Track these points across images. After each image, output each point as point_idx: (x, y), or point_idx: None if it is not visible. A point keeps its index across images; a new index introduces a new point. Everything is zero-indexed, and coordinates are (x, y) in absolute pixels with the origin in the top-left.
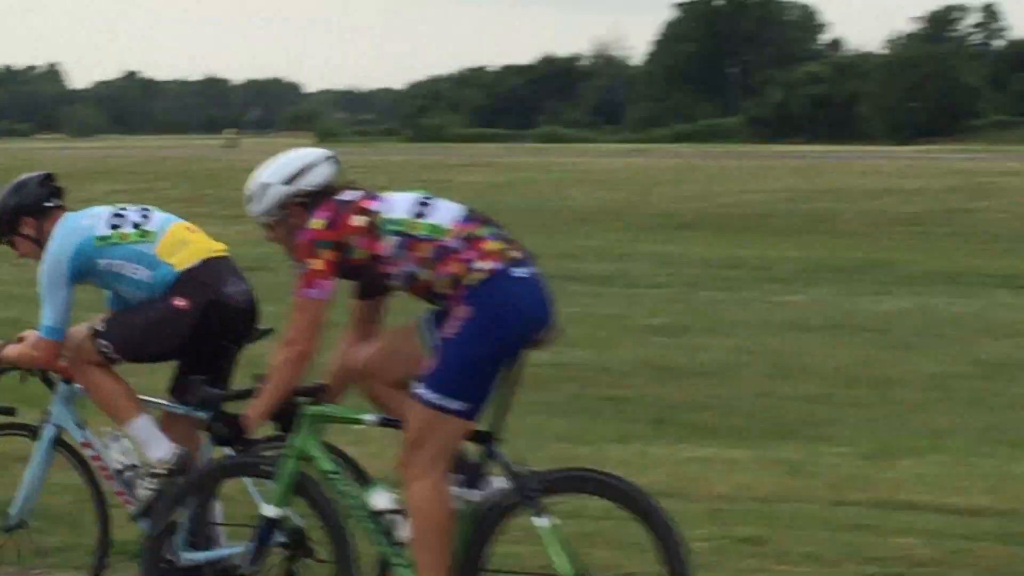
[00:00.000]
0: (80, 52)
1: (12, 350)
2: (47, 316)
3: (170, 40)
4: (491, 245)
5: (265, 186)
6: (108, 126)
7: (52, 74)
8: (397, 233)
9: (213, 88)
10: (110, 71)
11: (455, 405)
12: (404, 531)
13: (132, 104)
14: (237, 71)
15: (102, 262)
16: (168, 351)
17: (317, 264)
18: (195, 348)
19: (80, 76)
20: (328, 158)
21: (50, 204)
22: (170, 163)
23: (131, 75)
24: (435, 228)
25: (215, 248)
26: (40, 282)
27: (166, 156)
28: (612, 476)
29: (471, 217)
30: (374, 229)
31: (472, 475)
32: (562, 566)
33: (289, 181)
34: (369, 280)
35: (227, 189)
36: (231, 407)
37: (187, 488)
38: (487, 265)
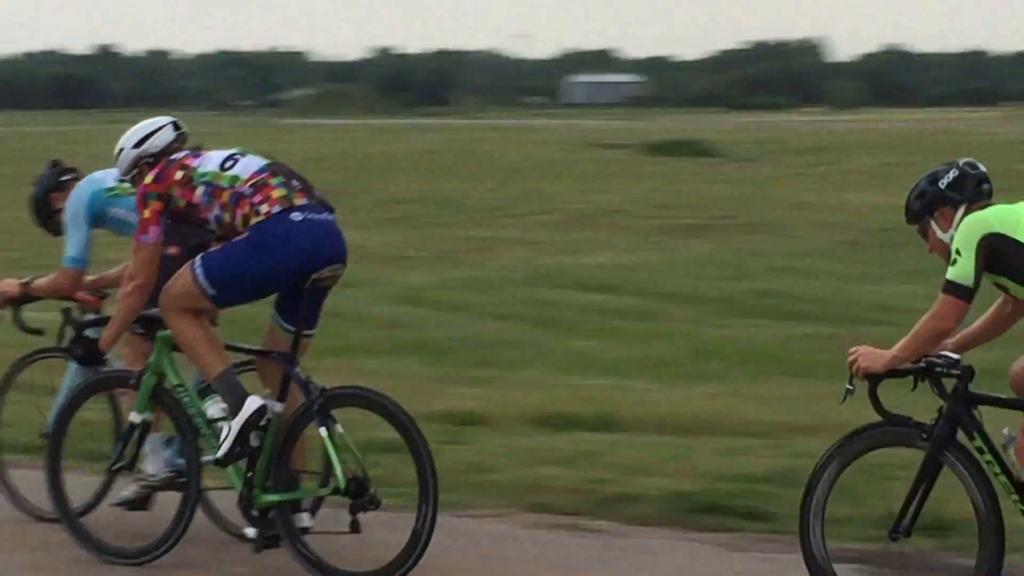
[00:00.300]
0: (842, 25)
1: (41, 281)
2: (70, 248)
3: (931, 12)
4: (277, 192)
5: (120, 151)
6: (870, 99)
7: (812, 47)
8: (206, 183)
9: (973, 60)
10: (871, 44)
11: (211, 292)
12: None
13: (893, 77)
14: (998, 42)
15: (109, 212)
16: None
17: (147, 213)
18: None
19: (842, 49)
20: (171, 123)
21: (66, 178)
22: (930, 137)
23: (892, 48)
24: (234, 178)
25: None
26: (65, 224)
27: (926, 129)
28: (382, 395)
29: (267, 168)
30: (189, 181)
31: (282, 392)
32: (337, 468)
33: (137, 145)
34: (194, 225)
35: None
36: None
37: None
38: (269, 208)
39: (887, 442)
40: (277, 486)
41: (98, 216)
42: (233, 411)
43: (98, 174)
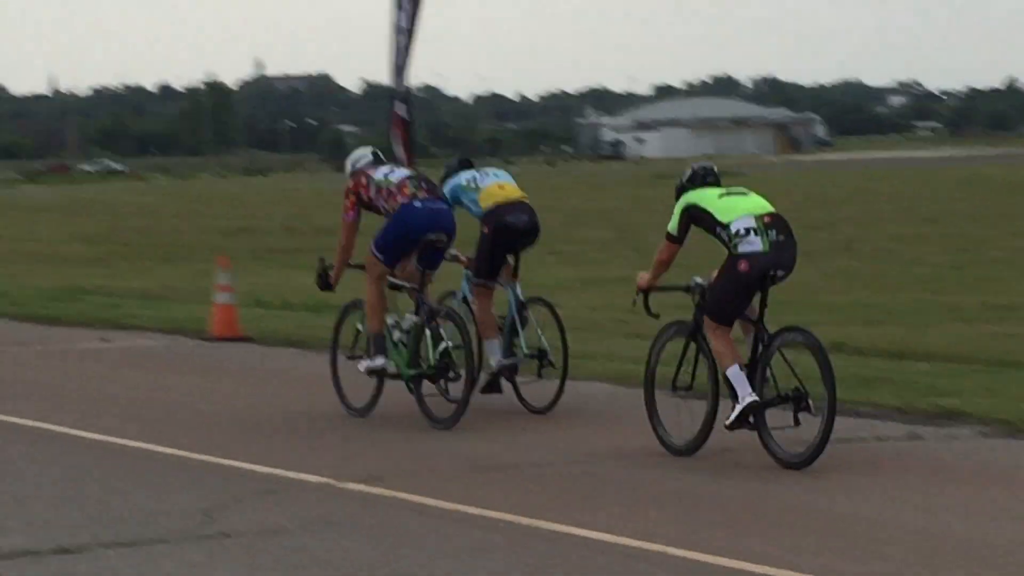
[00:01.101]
0: None
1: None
2: None
3: None
4: (409, 190)
5: (345, 165)
6: None
7: None
8: (376, 185)
9: None
10: None
11: (381, 257)
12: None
13: None
14: None
15: (463, 198)
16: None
17: (347, 203)
18: (501, 258)
19: None
20: (371, 151)
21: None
22: None
23: None
24: (388, 182)
25: (512, 196)
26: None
27: None
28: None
29: (409, 176)
30: (370, 184)
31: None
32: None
33: (353, 164)
34: (373, 211)
35: None
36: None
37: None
38: (403, 200)
39: (680, 332)
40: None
41: (455, 202)
42: (376, 349)
43: (463, 174)
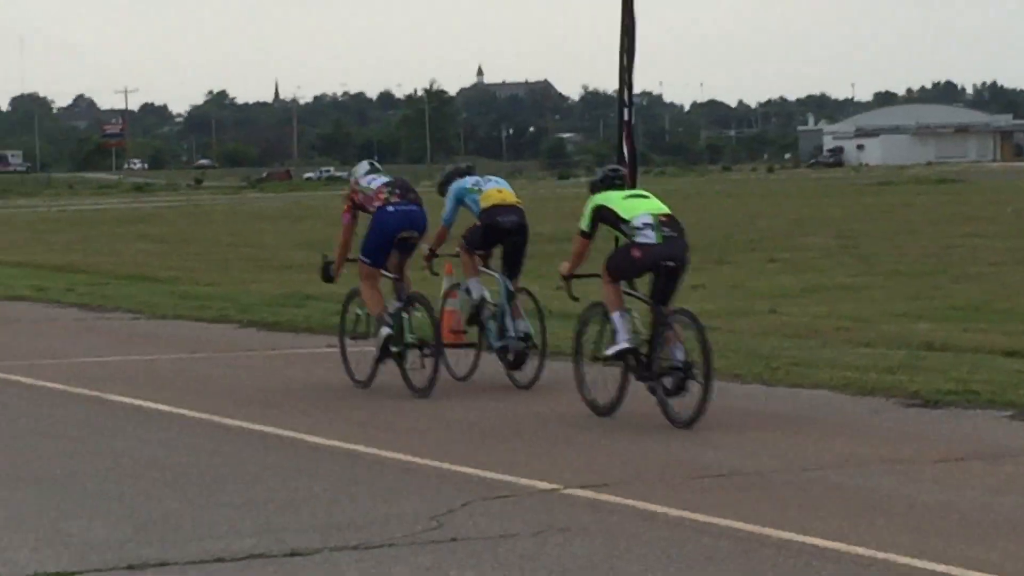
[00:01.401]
0: None
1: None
2: (445, 215)
3: None
4: (384, 196)
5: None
6: None
7: None
8: (362, 191)
9: None
10: None
11: (366, 260)
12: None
13: None
14: None
15: (467, 199)
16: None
17: (344, 206)
18: (488, 246)
19: None
20: (368, 162)
21: (454, 171)
22: None
23: None
24: (368, 188)
25: (507, 200)
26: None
27: None
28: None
29: (386, 182)
30: (359, 190)
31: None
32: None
33: (353, 174)
34: (367, 211)
35: None
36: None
37: None
38: (379, 204)
39: (597, 311)
40: None
41: (459, 200)
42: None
43: (466, 182)
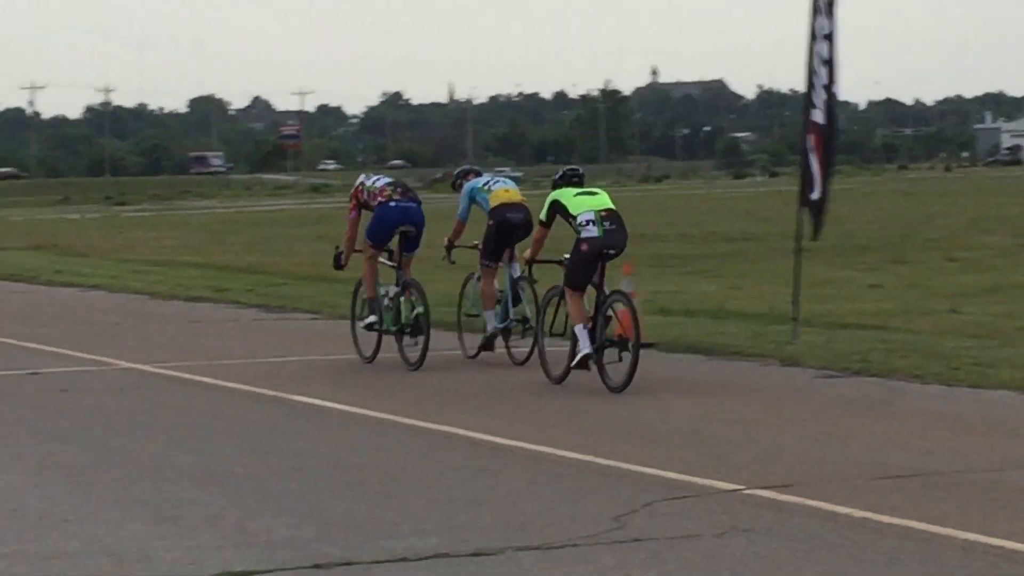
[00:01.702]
0: None
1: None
2: (460, 211)
3: None
4: (386, 193)
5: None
6: None
7: None
8: (366, 190)
9: None
10: None
11: (370, 241)
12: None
13: None
14: None
15: (478, 197)
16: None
17: (351, 204)
18: (500, 245)
19: None
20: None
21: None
22: None
23: None
24: (373, 186)
25: (514, 199)
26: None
27: None
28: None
29: (389, 182)
30: (363, 189)
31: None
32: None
33: (360, 176)
34: (369, 208)
35: None
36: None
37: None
38: (381, 200)
39: (555, 293)
40: None
41: (472, 198)
42: (370, 310)
43: (479, 181)
